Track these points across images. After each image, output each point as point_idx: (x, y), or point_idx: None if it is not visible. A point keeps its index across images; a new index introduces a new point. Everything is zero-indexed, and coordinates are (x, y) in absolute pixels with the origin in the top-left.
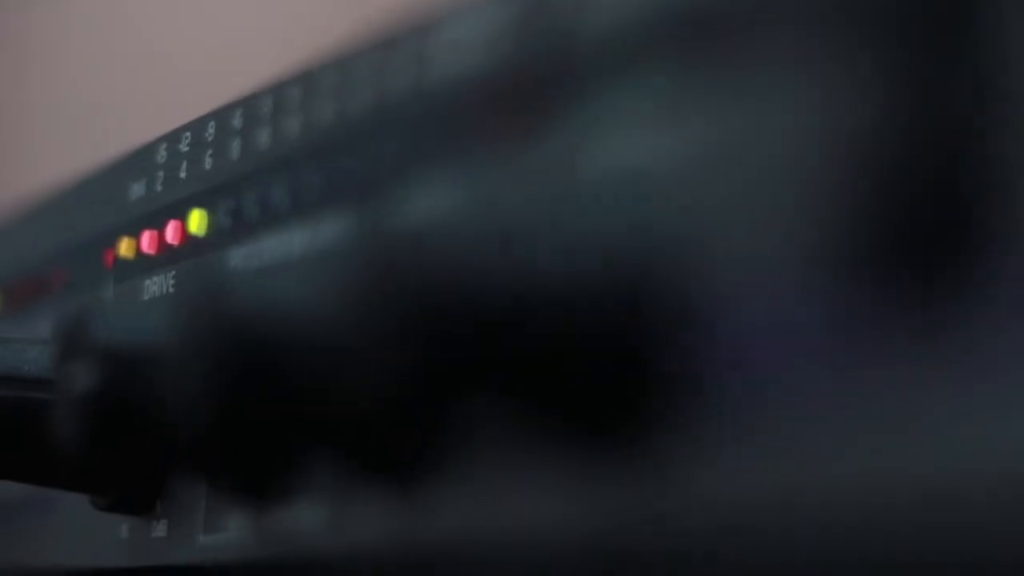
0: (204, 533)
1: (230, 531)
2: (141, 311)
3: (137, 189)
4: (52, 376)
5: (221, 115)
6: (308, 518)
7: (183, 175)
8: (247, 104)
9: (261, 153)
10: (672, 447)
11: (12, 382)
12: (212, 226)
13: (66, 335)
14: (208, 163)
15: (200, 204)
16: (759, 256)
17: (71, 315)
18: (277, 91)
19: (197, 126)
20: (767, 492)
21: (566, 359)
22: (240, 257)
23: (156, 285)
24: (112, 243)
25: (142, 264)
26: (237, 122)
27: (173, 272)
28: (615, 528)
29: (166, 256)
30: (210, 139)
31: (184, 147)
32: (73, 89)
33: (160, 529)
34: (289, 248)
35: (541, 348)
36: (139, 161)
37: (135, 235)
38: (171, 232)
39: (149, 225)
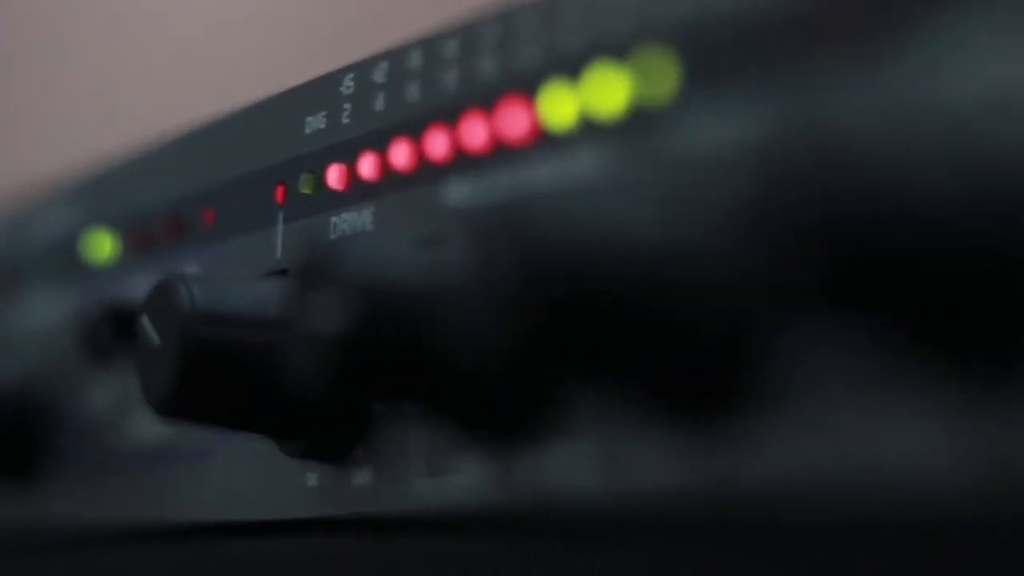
0: (424, 477)
1: (460, 475)
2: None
3: (314, 122)
4: (266, 314)
5: (430, 44)
6: (569, 461)
7: (380, 107)
8: (465, 33)
9: (481, 84)
10: None
11: (214, 321)
12: (421, 159)
13: (308, 271)
14: (414, 94)
15: (405, 136)
16: None
17: (313, 251)
18: (507, 19)
19: (397, 55)
20: None
21: (925, 283)
22: (455, 192)
23: (346, 223)
24: (284, 178)
25: (326, 200)
26: (450, 52)
27: (373, 208)
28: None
29: (359, 192)
30: (416, 70)
31: (380, 78)
32: (70, 76)
33: (363, 476)
34: (523, 182)
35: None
36: (317, 93)
37: (316, 170)
38: (367, 166)
39: (334, 159)
